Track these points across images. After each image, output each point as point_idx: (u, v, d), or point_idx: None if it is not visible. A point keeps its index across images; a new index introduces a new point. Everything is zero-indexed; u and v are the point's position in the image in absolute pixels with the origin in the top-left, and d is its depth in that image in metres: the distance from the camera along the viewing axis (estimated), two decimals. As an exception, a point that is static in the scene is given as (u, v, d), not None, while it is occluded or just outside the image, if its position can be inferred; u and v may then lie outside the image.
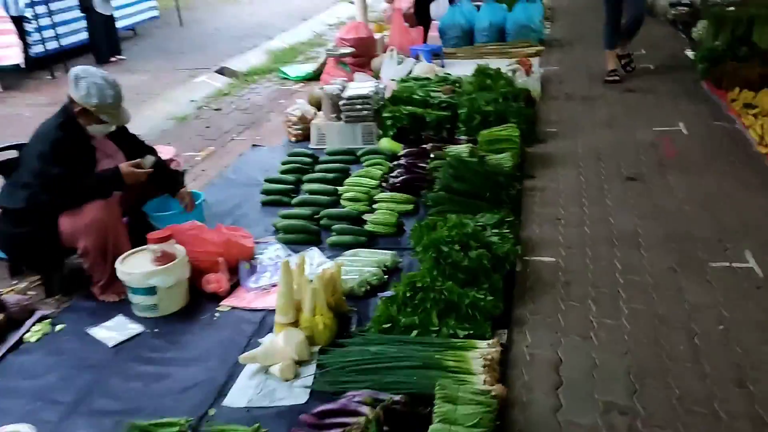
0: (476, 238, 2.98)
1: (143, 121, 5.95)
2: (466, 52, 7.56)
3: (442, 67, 7.12)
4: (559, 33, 8.61)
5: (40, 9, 7.69)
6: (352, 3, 12.36)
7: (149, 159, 3.31)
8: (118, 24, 9.74)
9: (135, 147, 3.41)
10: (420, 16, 7.80)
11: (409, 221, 3.64)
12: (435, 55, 7.16)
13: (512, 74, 5.87)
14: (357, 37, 6.84)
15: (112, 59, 8.48)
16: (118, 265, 2.99)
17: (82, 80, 3.02)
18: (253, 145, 5.19)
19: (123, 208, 3.30)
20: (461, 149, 4.22)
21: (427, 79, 5.63)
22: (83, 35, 8.51)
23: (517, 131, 4.39)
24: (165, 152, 3.89)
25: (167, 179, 3.49)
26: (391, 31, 7.54)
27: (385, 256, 3.26)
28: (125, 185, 3.16)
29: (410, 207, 3.81)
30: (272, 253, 3.40)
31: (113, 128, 3.23)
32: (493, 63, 6.35)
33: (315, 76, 7.04)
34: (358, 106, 4.89)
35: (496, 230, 3.20)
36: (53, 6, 7.94)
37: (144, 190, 3.38)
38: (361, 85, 5.11)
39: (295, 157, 4.67)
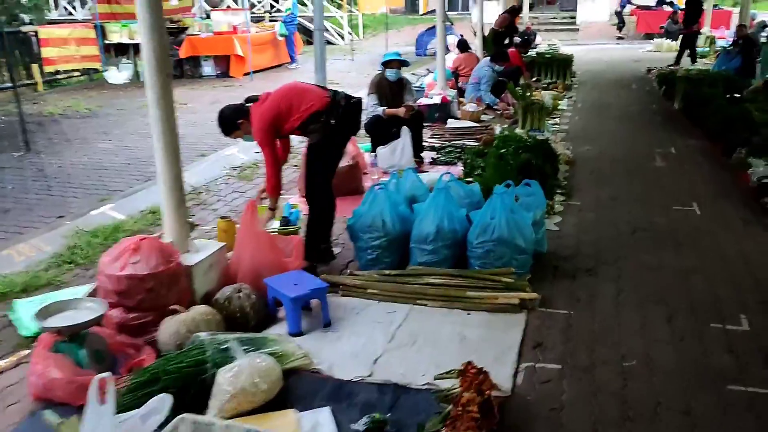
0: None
1: None
2: (385, 289, 3.88)
3: (328, 325, 3.51)
4: (574, 228, 4.93)
5: None
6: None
7: None
8: None
9: None
10: (315, 195, 4.22)
11: None
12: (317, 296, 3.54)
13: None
14: (120, 276, 3.22)
15: None
16: None
17: None
18: None
19: None
20: None
21: None
22: None
23: None
24: None
25: None
26: (235, 250, 3.91)
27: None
28: None
29: None
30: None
31: None
32: (430, 324, 2.78)
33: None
34: None
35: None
36: None
37: None
38: None
39: None
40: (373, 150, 6.73)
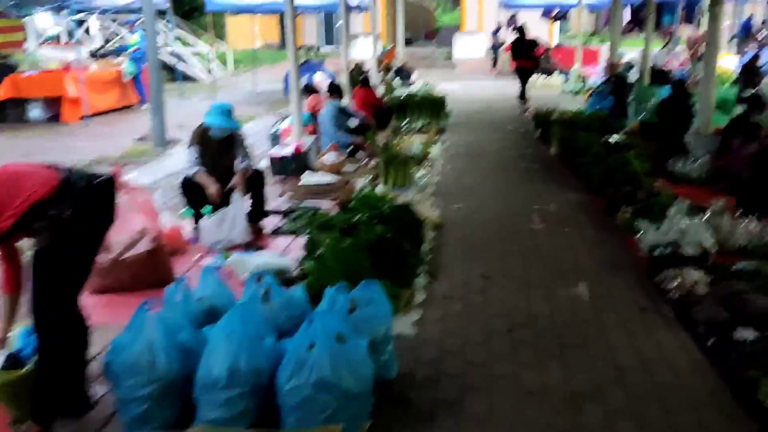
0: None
1: None
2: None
3: None
4: (437, 329, 3.78)
5: None
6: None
7: None
8: None
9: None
10: (47, 324, 2.81)
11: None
12: None
13: None
14: None
15: None
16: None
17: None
18: None
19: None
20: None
21: None
22: None
23: None
24: None
25: None
26: None
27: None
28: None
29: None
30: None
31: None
32: None
33: None
34: None
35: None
36: None
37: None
38: None
39: None
40: (196, 219, 5.37)
